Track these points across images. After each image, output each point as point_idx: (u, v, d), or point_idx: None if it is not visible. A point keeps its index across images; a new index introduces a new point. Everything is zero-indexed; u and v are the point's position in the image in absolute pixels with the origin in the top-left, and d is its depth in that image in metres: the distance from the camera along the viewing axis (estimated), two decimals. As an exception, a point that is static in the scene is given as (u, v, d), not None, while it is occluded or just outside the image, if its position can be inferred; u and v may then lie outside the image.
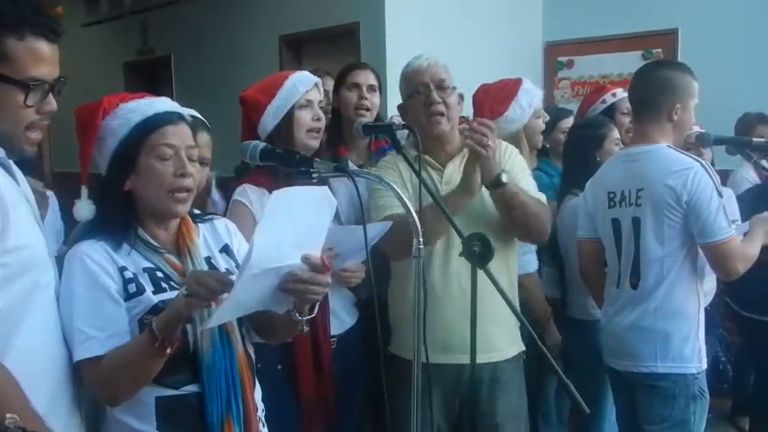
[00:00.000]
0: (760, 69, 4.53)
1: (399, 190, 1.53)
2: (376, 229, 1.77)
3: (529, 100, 2.81)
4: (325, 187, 1.46)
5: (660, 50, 4.99)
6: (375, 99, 2.71)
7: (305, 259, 1.39)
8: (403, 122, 2.10)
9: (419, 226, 1.47)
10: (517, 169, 2.24)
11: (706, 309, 2.98)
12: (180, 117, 1.59)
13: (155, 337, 1.38)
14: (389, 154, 2.41)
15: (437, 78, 2.19)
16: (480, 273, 1.57)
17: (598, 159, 2.76)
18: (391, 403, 1.81)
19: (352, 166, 2.56)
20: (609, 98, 3.17)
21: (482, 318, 2.02)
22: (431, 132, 2.20)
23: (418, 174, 1.87)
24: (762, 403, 3.16)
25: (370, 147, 2.70)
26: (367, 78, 2.71)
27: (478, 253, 1.70)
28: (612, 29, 5.10)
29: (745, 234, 2.39)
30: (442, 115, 2.17)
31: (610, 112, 3.11)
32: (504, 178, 2.04)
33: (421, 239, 1.48)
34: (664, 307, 2.30)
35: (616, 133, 2.84)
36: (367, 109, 2.65)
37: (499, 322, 2.10)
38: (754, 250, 2.33)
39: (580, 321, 2.81)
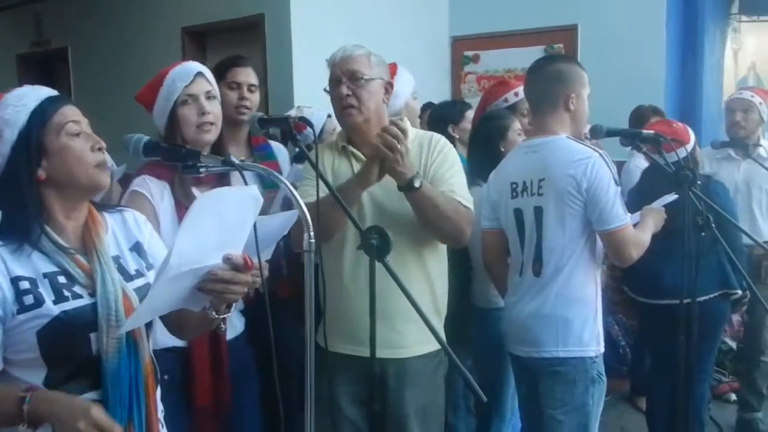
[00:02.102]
0: (654, 63, 4.73)
1: (286, 182, 1.50)
2: (280, 220, 1.72)
3: (407, 78, 2.89)
4: (254, 186, 1.43)
5: (561, 45, 5.13)
6: (255, 98, 2.66)
7: (227, 259, 1.37)
8: (301, 116, 2.06)
9: (309, 219, 1.44)
10: (446, 166, 2.20)
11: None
12: (67, 98, 1.55)
13: (22, 419, 1.30)
14: (318, 143, 2.36)
15: (348, 70, 2.14)
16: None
17: (502, 150, 2.80)
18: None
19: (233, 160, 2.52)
20: (511, 97, 3.22)
21: (393, 314, 2.06)
22: (343, 124, 2.19)
23: (315, 166, 1.84)
24: (657, 383, 3.29)
25: (250, 143, 2.66)
26: (248, 77, 2.65)
27: (376, 246, 1.70)
28: (516, 24, 5.20)
29: (636, 224, 2.48)
30: (352, 107, 2.13)
31: (511, 112, 3.15)
32: (416, 183, 2.01)
33: (312, 233, 1.45)
34: (563, 293, 2.36)
35: (518, 125, 2.90)
36: (248, 108, 2.59)
37: (413, 319, 2.07)
38: (646, 237, 2.43)
39: (482, 309, 2.86)
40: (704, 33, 4.98)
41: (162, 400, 1.66)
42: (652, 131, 2.73)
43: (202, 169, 1.49)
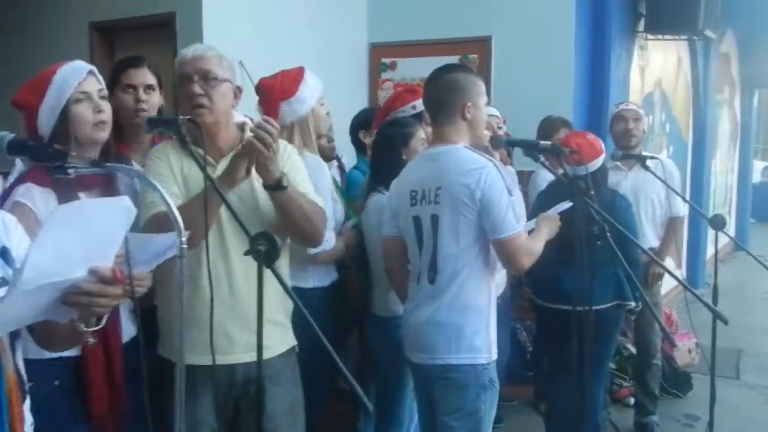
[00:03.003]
0: (563, 76, 4.87)
1: (158, 185, 1.45)
2: (166, 242, 1.68)
3: (314, 83, 2.84)
4: (126, 197, 1.40)
5: (476, 56, 5.22)
6: (154, 98, 2.59)
7: (93, 272, 1.31)
8: (190, 117, 2.01)
9: (182, 223, 1.40)
10: (295, 171, 2.24)
11: (497, 301, 3.16)
12: None
13: None
14: (160, 144, 2.32)
15: (201, 69, 2.12)
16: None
17: (404, 157, 2.81)
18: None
19: (134, 165, 2.45)
20: (420, 105, 3.25)
21: (252, 317, 2.03)
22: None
23: (203, 168, 1.80)
24: (554, 387, 3.37)
25: (153, 144, 2.59)
26: (143, 78, 2.58)
27: (264, 252, 1.68)
28: (432, 34, 5.26)
29: (531, 231, 2.54)
30: (202, 107, 2.11)
31: (418, 119, 3.17)
32: (285, 181, 2.04)
33: (184, 239, 1.41)
34: (457, 301, 2.39)
35: (422, 134, 2.91)
36: (145, 111, 2.53)
37: (268, 319, 2.06)
38: (538, 246, 2.48)
39: (382, 318, 2.86)
40: (610, 49, 5.15)
41: (54, 407, 1.60)
42: (549, 143, 2.81)
43: (70, 170, 1.43)
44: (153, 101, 2.59)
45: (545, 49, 4.87)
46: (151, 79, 2.61)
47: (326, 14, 5.08)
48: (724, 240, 3.53)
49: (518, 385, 4.30)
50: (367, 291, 2.90)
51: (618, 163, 3.96)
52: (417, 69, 5.39)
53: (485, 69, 5.14)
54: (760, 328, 6.49)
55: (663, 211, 4.03)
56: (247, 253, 1.69)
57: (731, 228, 10.87)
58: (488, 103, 2.69)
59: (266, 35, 4.47)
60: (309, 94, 2.83)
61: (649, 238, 3.97)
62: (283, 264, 2.27)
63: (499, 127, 3.97)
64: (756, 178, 14.92)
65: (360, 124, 3.59)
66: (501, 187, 2.35)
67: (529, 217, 2.75)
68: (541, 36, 4.90)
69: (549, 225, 2.60)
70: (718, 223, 3.18)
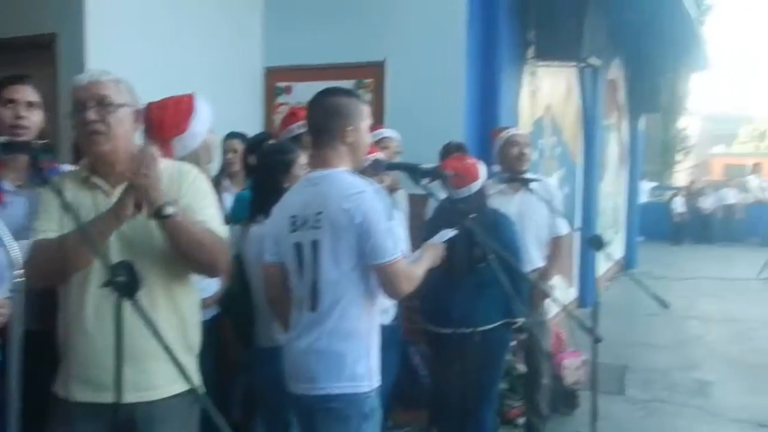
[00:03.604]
0: (454, 101, 4.97)
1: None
2: None
3: (206, 113, 2.73)
4: None
5: (371, 80, 5.27)
6: (35, 117, 2.50)
7: None
8: (45, 140, 1.92)
9: (17, 258, 1.32)
10: (199, 197, 2.16)
11: (390, 325, 3.16)
12: None
13: None
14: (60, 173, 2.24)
15: (97, 94, 2.05)
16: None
17: (285, 185, 2.77)
18: None
19: (7, 186, 2.33)
20: (296, 129, 3.26)
21: (142, 354, 1.96)
22: (90, 152, 2.08)
23: (59, 195, 1.73)
24: (444, 410, 3.39)
25: (34, 166, 2.48)
26: (25, 94, 2.49)
27: (123, 284, 1.60)
28: (328, 58, 5.28)
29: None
30: (100, 133, 2.03)
31: (296, 143, 3.17)
32: (168, 210, 1.95)
33: (19, 272, 1.33)
34: (339, 328, 2.36)
35: (303, 159, 2.88)
36: (26, 128, 2.45)
37: (163, 357, 1.97)
38: (419, 272, 2.48)
39: (265, 348, 2.79)
40: (501, 75, 5.30)
41: None
42: (430, 165, 2.84)
43: None
44: (34, 119, 2.52)
45: (437, 74, 4.96)
46: (34, 97, 2.53)
47: (220, 37, 5.02)
48: (615, 258, 3.70)
49: (412, 409, 4.30)
50: (249, 323, 2.82)
51: (504, 187, 4.07)
52: (312, 93, 5.30)
53: (380, 93, 5.19)
54: (645, 343, 6.79)
55: (548, 231, 4.16)
56: (105, 285, 1.61)
57: (621, 247, 11.38)
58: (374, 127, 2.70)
59: (156, 58, 4.36)
60: (201, 127, 2.71)
61: (535, 259, 4.09)
62: (188, 294, 2.19)
63: (398, 152, 4.01)
64: (644, 198, 15.78)
65: (249, 148, 3.70)
66: (380, 211, 2.35)
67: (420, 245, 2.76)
68: (433, 61, 4.99)
69: (432, 253, 2.62)
70: (596, 243, 3.30)
